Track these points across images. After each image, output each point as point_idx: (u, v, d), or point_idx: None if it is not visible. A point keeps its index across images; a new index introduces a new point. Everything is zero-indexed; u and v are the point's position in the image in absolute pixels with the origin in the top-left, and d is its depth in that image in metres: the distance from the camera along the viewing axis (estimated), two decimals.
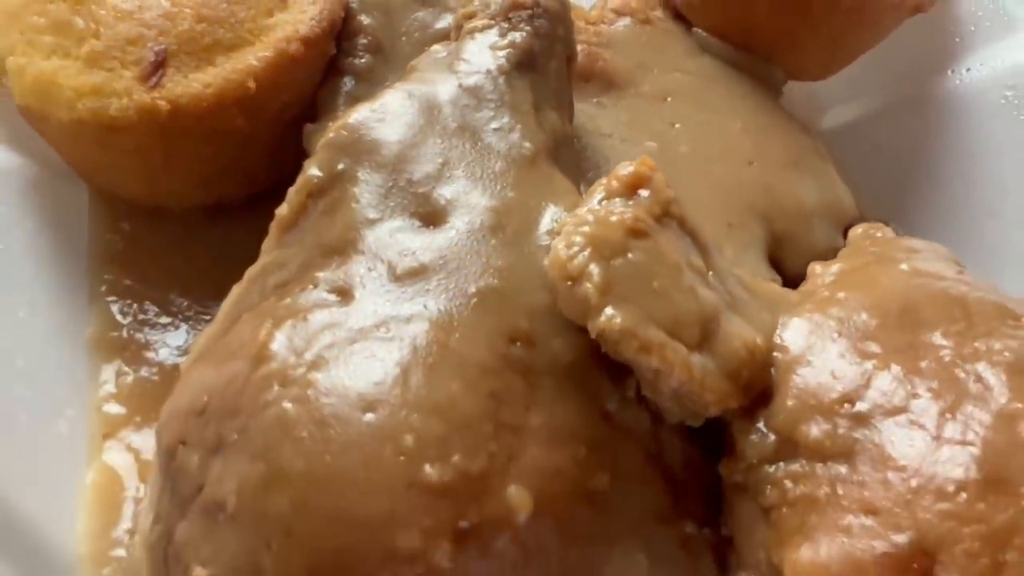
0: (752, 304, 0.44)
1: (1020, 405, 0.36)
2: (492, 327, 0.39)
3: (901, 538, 0.35)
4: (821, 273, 0.47)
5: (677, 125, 0.59)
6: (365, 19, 0.56)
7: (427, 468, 0.35)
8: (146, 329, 0.50)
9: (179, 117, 0.48)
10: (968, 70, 0.65)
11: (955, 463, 0.35)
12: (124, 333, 0.49)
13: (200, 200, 0.54)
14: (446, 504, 0.34)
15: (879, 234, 0.50)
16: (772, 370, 0.41)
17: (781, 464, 0.39)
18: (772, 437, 0.40)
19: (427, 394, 0.36)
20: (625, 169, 0.43)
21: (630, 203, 0.43)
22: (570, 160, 0.51)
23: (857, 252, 0.49)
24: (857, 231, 0.52)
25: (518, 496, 0.36)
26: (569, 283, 0.39)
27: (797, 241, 0.56)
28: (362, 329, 0.39)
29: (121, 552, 0.42)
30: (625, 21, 0.64)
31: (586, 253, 0.40)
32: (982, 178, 0.62)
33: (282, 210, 0.46)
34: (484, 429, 0.36)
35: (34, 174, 0.50)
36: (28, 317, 0.46)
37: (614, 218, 0.41)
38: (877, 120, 0.69)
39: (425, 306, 0.39)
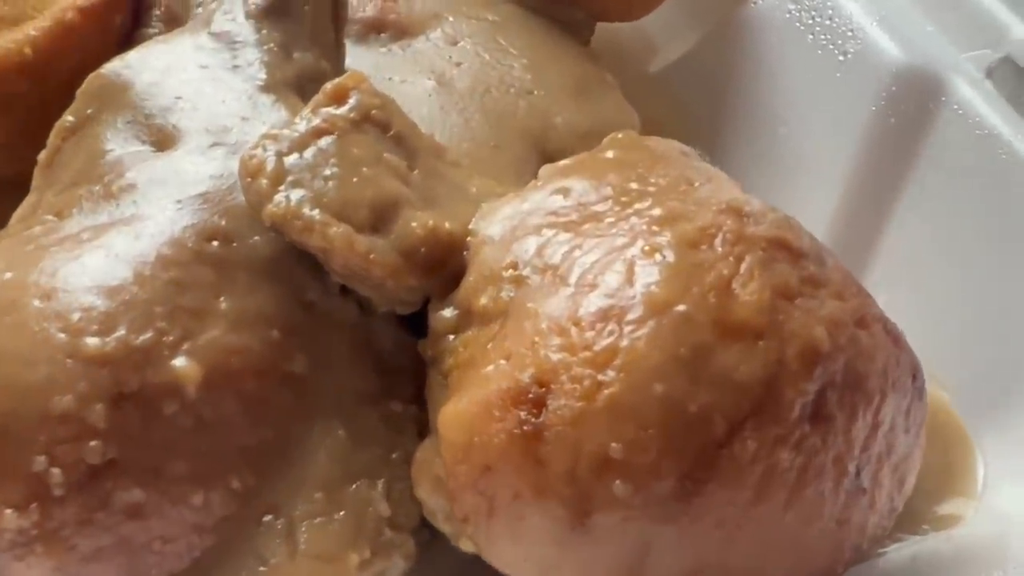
0: (457, 199, 0.47)
1: (646, 247, 0.38)
2: (187, 227, 0.42)
3: (523, 374, 0.36)
4: (544, 169, 0.49)
5: (462, 64, 0.62)
6: None
7: (88, 340, 0.38)
8: None
9: None
10: None
11: (576, 304, 0.37)
12: None
13: (14, 168, 0.59)
14: (104, 372, 0.38)
15: (620, 135, 0.52)
16: (465, 254, 0.44)
17: (459, 334, 0.42)
18: (454, 311, 0.42)
19: (100, 281, 0.40)
20: (330, 83, 0.47)
21: (333, 110, 0.46)
22: None
23: (597, 148, 0.51)
24: (608, 136, 0.54)
25: (185, 367, 0.39)
26: (249, 179, 0.42)
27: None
28: (65, 237, 0.43)
29: None
30: None
31: (268, 152, 0.43)
32: (775, 90, 0.64)
33: (41, 154, 0.50)
34: (155, 310, 0.39)
35: None
36: None
37: (301, 122, 0.44)
38: (695, 56, 0.71)
39: (124, 214, 0.43)
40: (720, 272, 0.37)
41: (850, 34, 0.59)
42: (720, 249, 0.38)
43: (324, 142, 0.43)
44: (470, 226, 0.44)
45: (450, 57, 0.62)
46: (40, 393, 0.37)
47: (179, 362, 0.39)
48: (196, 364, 0.39)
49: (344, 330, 0.44)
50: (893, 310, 0.57)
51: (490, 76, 0.61)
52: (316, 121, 0.44)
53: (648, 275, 0.36)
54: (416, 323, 0.46)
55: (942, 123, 0.55)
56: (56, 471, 0.36)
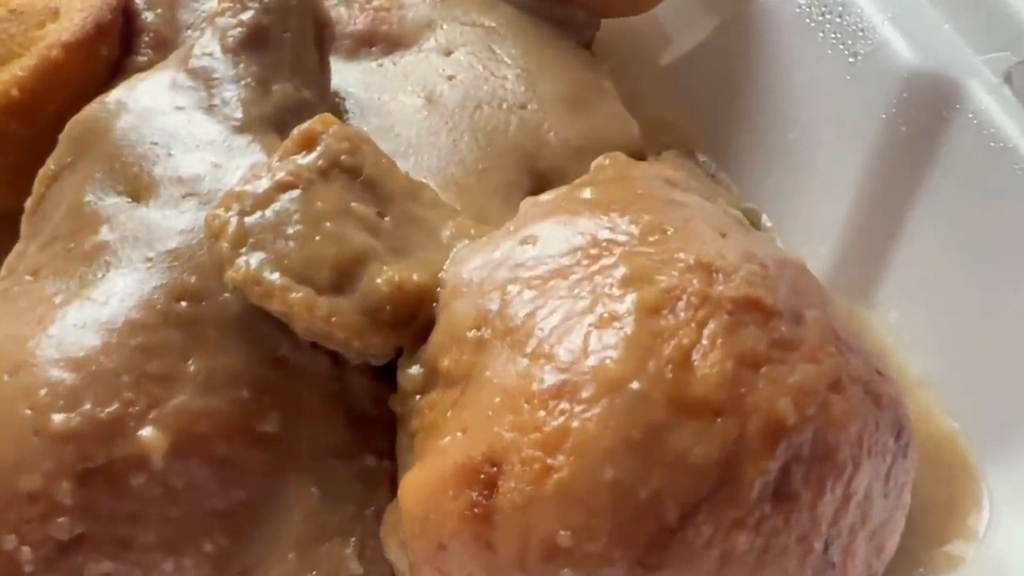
0: (430, 246, 0.45)
1: (605, 315, 0.36)
2: (156, 287, 0.42)
3: (477, 452, 0.36)
4: (523, 205, 0.48)
5: (455, 78, 0.60)
6: (148, 17, 0.60)
7: (55, 417, 0.38)
8: None
9: None
10: None
11: (530, 378, 0.36)
12: None
13: (14, 204, 0.60)
14: (70, 448, 0.38)
15: (607, 161, 0.50)
16: (435, 305, 0.43)
17: (425, 394, 0.41)
18: (421, 369, 0.41)
19: (67, 353, 0.40)
20: (299, 128, 0.46)
21: (299, 159, 0.45)
22: None
23: (577, 182, 0.49)
24: (595, 162, 0.52)
25: (151, 438, 0.39)
26: (212, 240, 0.42)
27: (566, 176, 0.56)
28: (40, 299, 0.43)
29: None
30: None
31: (230, 212, 0.42)
32: (785, 91, 0.61)
33: (27, 201, 0.51)
34: (122, 379, 0.40)
35: None
36: None
37: (265, 176, 0.43)
38: (706, 49, 0.68)
39: (96, 276, 0.43)
40: (680, 342, 0.35)
41: (860, 33, 0.55)
42: (682, 315, 0.36)
43: (288, 198, 0.42)
44: (440, 275, 0.43)
45: (442, 70, 0.60)
46: (8, 472, 0.37)
47: (145, 432, 0.39)
48: (162, 433, 0.39)
49: (316, 384, 0.44)
50: (904, 328, 0.55)
51: (482, 90, 0.59)
52: (281, 174, 0.43)
53: (604, 348, 0.35)
54: (392, 372, 0.46)
55: (956, 132, 0.52)
56: (26, 549, 0.37)
